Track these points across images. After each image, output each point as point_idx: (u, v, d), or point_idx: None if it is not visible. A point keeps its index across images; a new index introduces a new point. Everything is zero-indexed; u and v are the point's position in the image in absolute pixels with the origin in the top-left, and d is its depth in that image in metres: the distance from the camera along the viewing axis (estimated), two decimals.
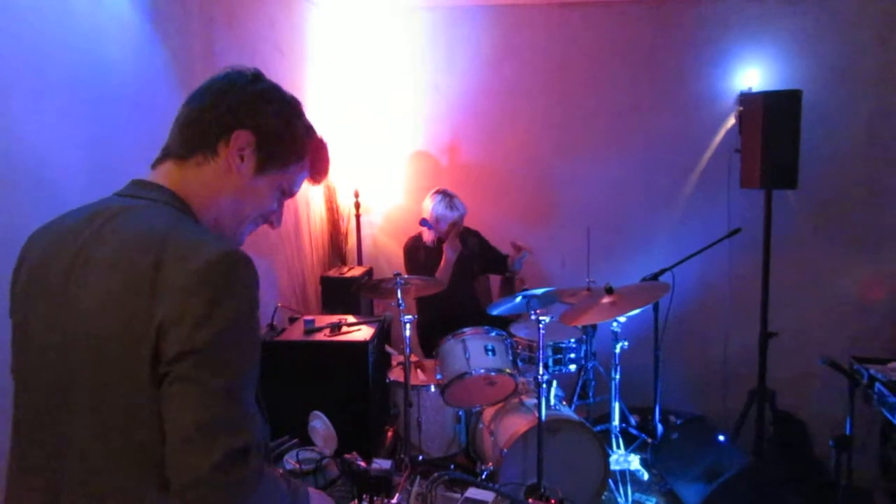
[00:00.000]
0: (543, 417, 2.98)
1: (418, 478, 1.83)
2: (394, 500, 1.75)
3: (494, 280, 4.38)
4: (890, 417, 2.97)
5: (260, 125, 1.17)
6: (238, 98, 1.16)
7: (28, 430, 1.10)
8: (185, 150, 1.16)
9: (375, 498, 1.75)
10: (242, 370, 1.01)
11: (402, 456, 3.28)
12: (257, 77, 1.21)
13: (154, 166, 1.19)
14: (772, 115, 3.62)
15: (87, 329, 1.01)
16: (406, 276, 3.35)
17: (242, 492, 0.96)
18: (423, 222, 3.92)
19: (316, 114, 3.89)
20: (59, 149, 2.09)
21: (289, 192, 1.26)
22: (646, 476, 3.57)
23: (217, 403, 0.96)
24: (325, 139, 1.33)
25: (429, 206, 3.91)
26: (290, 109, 1.22)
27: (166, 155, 1.18)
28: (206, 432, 0.94)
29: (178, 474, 0.95)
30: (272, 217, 1.26)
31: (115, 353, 0.99)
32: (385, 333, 3.50)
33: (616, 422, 3.68)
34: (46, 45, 2.03)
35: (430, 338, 3.74)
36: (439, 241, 3.94)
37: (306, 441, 2.02)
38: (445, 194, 3.91)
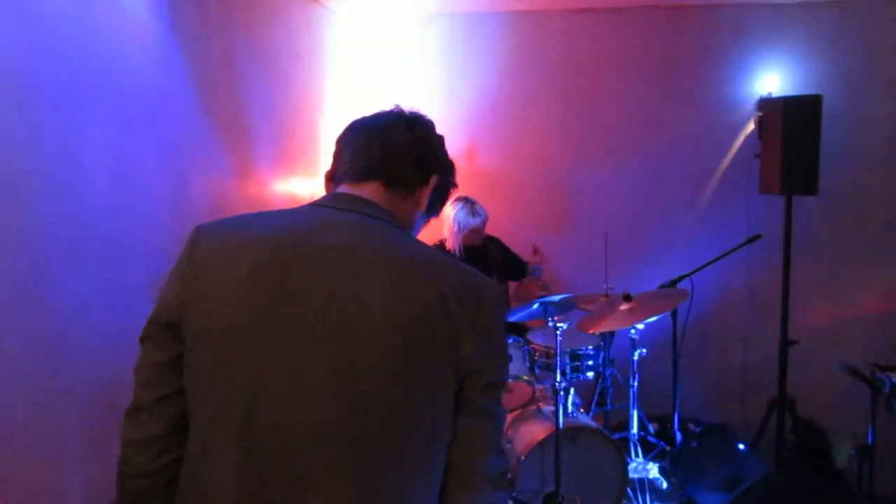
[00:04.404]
0: (561, 425, 2.96)
1: None
2: None
3: (513, 288, 4.38)
4: None
5: (444, 165, 1.32)
6: (435, 144, 1.31)
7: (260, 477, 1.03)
8: (390, 179, 1.23)
9: None
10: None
11: None
12: (428, 119, 1.33)
13: (357, 181, 1.23)
14: (792, 120, 3.59)
15: (378, 348, 1.04)
16: None
17: None
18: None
19: (334, 119, 3.91)
20: (80, 154, 2.12)
21: None
22: (665, 485, 3.53)
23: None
24: None
25: (450, 213, 3.91)
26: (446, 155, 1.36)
27: (372, 174, 1.23)
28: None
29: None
30: None
31: (417, 378, 1.06)
32: None
33: (634, 429, 3.65)
34: (68, 52, 2.05)
35: None
36: (464, 248, 3.94)
37: None
38: (467, 201, 3.91)
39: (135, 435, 1.13)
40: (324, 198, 1.22)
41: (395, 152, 1.23)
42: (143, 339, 1.14)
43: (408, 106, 1.32)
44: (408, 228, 1.27)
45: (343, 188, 1.23)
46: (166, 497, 1.12)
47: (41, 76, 1.95)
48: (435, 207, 1.32)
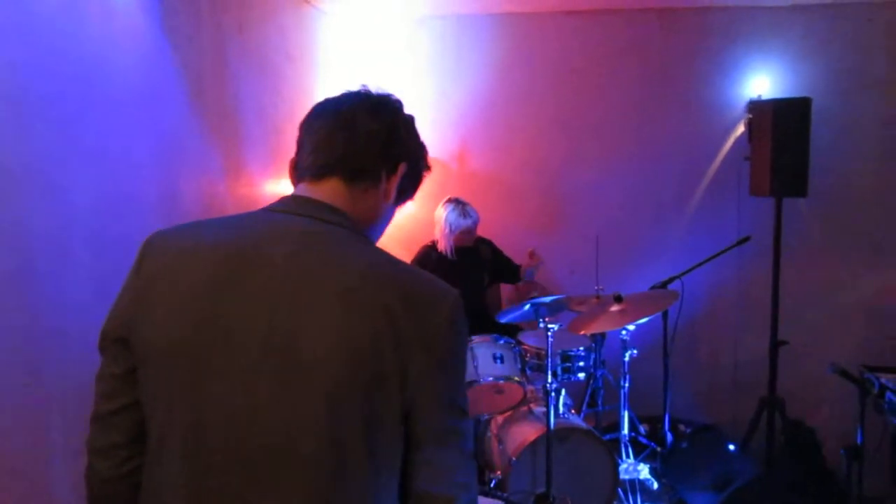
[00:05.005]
0: (552, 426, 2.97)
1: None
2: None
3: (505, 290, 4.38)
4: None
5: (413, 150, 1.23)
6: (402, 130, 1.21)
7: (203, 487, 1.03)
8: (353, 174, 1.16)
9: None
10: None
11: None
12: (396, 98, 1.23)
13: (315, 179, 1.16)
14: (781, 122, 3.61)
15: (319, 373, 0.98)
16: None
17: None
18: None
19: None
20: (70, 155, 2.11)
21: None
22: (655, 485, 3.55)
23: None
24: None
25: (441, 214, 3.92)
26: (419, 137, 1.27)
27: (333, 170, 1.15)
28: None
29: None
30: None
31: (358, 395, 0.99)
32: None
33: (625, 430, 3.66)
34: (58, 53, 2.05)
35: None
36: (456, 249, 3.94)
37: None
38: (458, 202, 3.91)
39: (98, 443, 1.14)
40: (279, 201, 1.16)
41: (358, 143, 1.15)
42: (100, 350, 1.14)
43: (376, 87, 1.23)
44: (373, 224, 1.20)
45: (301, 188, 1.17)
46: (133, 501, 1.12)
47: (31, 76, 1.95)
48: (406, 194, 1.25)
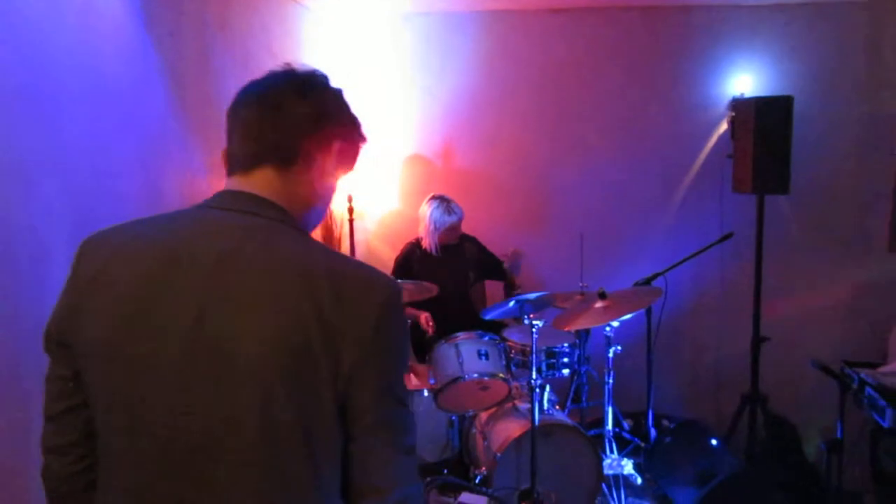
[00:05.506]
0: (537, 422, 2.98)
1: None
2: None
3: (490, 286, 4.39)
4: (880, 421, 2.98)
5: (346, 126, 1.19)
6: (330, 102, 1.17)
7: (142, 484, 1.04)
8: (284, 160, 1.13)
9: None
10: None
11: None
12: (321, 73, 1.19)
13: (246, 171, 1.13)
14: (763, 120, 3.64)
15: (249, 368, 0.98)
16: (400, 282, 3.35)
17: None
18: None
19: None
20: (51, 152, 2.09)
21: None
22: (639, 480, 3.57)
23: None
24: None
25: (426, 211, 3.92)
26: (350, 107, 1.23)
27: (263, 159, 1.12)
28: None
29: None
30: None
31: (290, 394, 0.98)
32: None
33: (609, 426, 3.69)
34: (39, 49, 2.03)
35: (424, 342, 3.74)
36: (441, 247, 3.94)
37: None
38: (442, 199, 3.92)
39: (52, 442, 1.15)
40: (213, 197, 1.14)
41: (287, 128, 1.12)
42: (46, 352, 1.14)
43: (300, 64, 1.19)
44: (311, 207, 1.18)
45: (233, 181, 1.14)
46: (89, 497, 1.13)
47: (11, 73, 1.92)
48: (344, 167, 1.21)
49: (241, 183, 1.13)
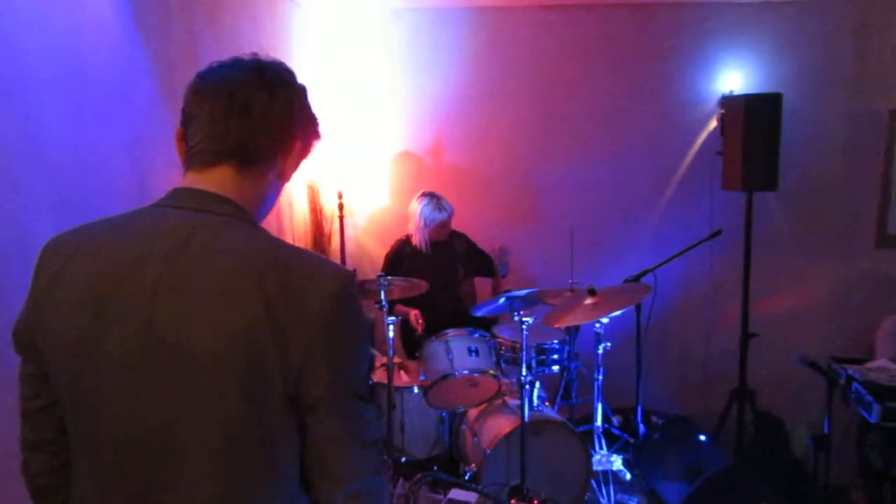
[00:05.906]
0: (527, 418, 2.99)
1: (402, 479, 1.84)
2: None
3: (480, 283, 4.39)
4: (866, 416, 3.01)
5: (307, 126, 1.19)
6: (297, 103, 1.15)
7: (107, 479, 1.05)
8: (246, 159, 1.11)
9: None
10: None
11: (385, 457, 3.28)
12: (288, 69, 1.17)
13: (204, 168, 1.11)
14: (753, 117, 3.66)
15: (201, 363, 0.98)
16: (390, 278, 3.35)
17: None
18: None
19: None
20: (39, 148, 2.07)
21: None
22: (628, 476, 3.58)
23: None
24: None
25: (416, 208, 3.91)
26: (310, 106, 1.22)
27: (225, 157, 1.10)
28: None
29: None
30: None
31: (243, 388, 0.99)
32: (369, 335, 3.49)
33: (599, 422, 3.70)
34: (25, 43, 2.00)
35: (414, 339, 3.74)
36: (431, 243, 3.94)
37: None
38: (433, 196, 3.91)
39: (28, 439, 1.18)
40: (167, 195, 1.12)
41: (255, 130, 1.10)
42: (17, 352, 1.15)
43: (264, 54, 1.16)
44: (263, 203, 1.17)
45: (189, 178, 1.12)
46: (68, 490, 1.14)
47: None
48: (300, 163, 1.21)
49: (197, 180, 1.11)
